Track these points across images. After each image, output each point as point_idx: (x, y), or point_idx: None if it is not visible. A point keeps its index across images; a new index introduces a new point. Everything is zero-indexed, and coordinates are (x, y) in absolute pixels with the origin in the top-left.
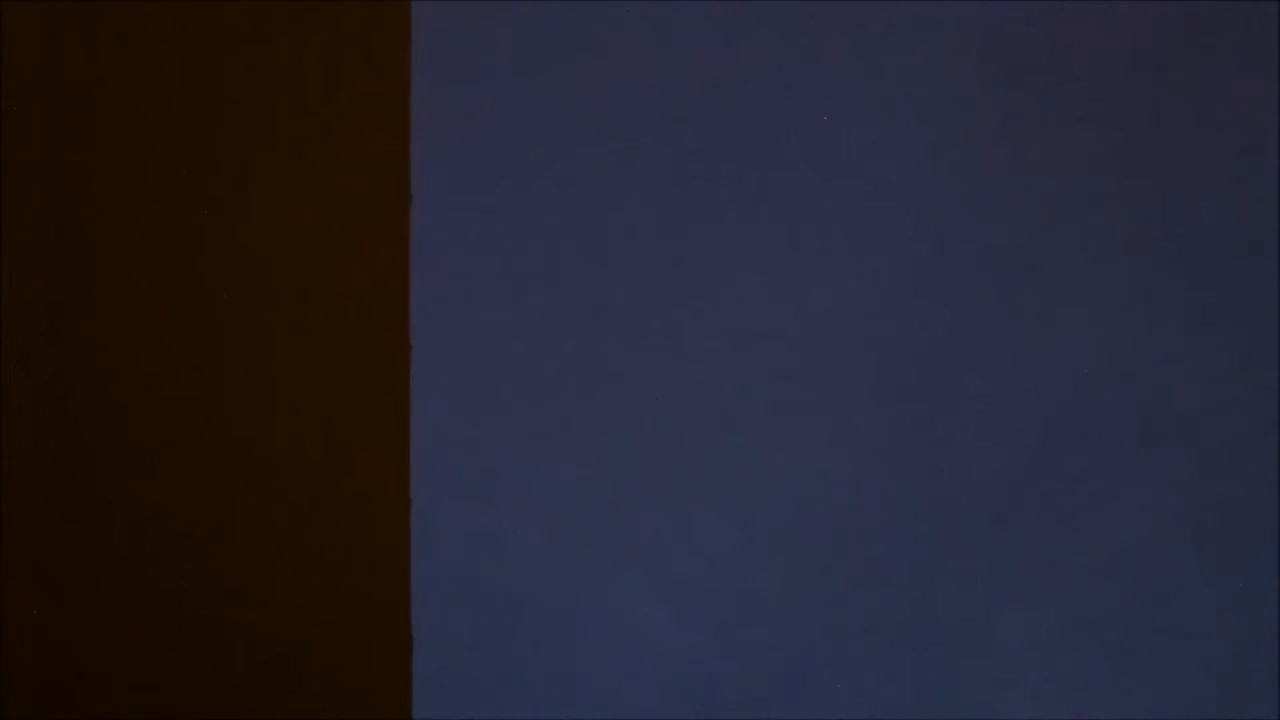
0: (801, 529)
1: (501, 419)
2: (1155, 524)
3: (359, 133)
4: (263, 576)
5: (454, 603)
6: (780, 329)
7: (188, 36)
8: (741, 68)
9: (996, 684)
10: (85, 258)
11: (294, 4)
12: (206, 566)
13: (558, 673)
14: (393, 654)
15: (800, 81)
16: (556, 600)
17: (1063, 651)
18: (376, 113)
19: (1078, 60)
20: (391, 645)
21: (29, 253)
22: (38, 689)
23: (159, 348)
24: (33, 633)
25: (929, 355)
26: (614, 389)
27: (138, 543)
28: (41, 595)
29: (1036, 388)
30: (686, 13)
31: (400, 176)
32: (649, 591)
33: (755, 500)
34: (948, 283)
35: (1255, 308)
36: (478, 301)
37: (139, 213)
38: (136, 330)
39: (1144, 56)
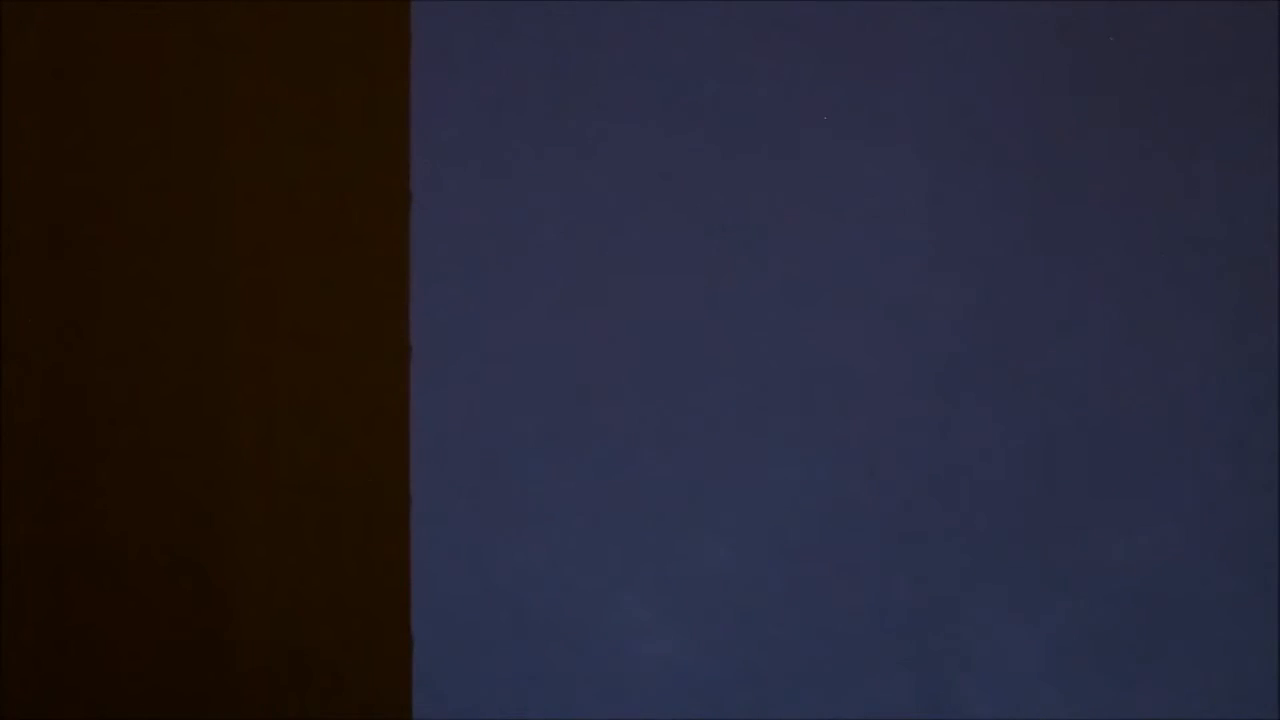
0: (804, 540)
1: (501, 419)
2: (1160, 535)
3: (359, 133)
4: (264, 577)
5: (454, 603)
6: (786, 339)
7: (188, 37)
8: (743, 69)
9: (1000, 692)
10: (85, 257)
11: (294, 4)
12: (207, 567)
13: (557, 673)
14: (393, 654)
15: (806, 83)
16: (556, 601)
17: (1067, 661)
18: (376, 113)
19: (1077, 64)
20: (391, 645)
21: (29, 253)
22: (38, 689)
23: (159, 347)
24: (33, 633)
25: (934, 370)
26: (613, 389)
27: (138, 543)
28: (41, 596)
29: (1041, 402)
30: (687, 15)
31: (400, 176)
32: (648, 592)
33: (757, 509)
34: (954, 299)
35: (1258, 321)
36: (477, 301)
37: (138, 212)
38: (136, 330)
39: (1144, 58)
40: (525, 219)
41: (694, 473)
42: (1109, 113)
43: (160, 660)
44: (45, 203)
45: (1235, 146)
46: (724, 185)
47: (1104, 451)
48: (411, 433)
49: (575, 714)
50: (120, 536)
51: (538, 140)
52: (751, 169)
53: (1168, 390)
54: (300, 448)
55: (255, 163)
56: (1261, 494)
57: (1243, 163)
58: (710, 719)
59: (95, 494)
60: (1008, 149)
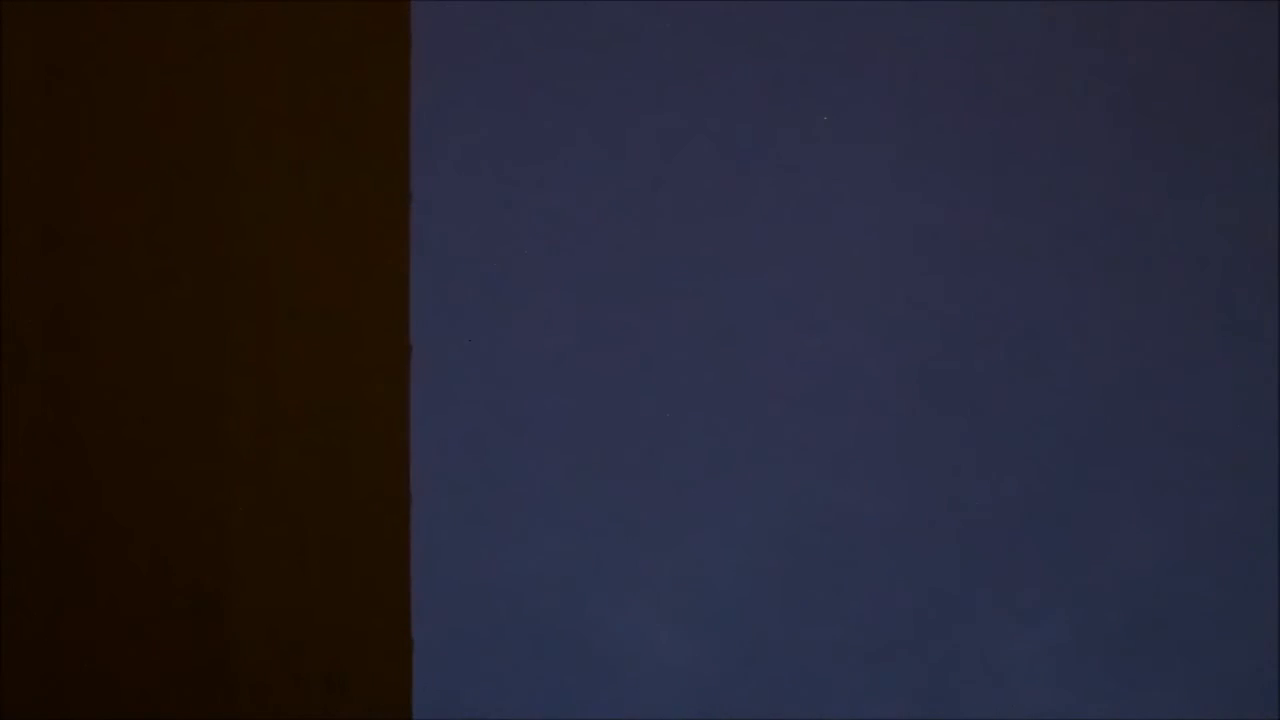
0: (804, 541)
1: (500, 419)
2: (1160, 536)
3: (359, 133)
4: (263, 577)
5: (454, 603)
6: (787, 342)
7: (188, 37)
8: (741, 68)
9: (1001, 694)
10: (84, 258)
11: (294, 4)
12: (205, 567)
13: (558, 673)
14: (393, 654)
15: (803, 82)
16: (556, 601)
17: (1068, 662)
18: (376, 113)
19: (1078, 64)
20: (391, 645)
21: (29, 253)
22: (35, 691)
23: (159, 348)
24: (31, 635)
25: (933, 372)
26: (614, 390)
27: (135, 542)
28: (41, 597)
29: (1039, 403)
30: (686, 14)
31: (400, 176)
32: (648, 593)
33: (757, 511)
34: (958, 303)
35: (1258, 321)
36: (478, 301)
37: (137, 212)
38: (136, 331)
39: (1144, 57)
40: (525, 219)
41: (695, 473)
42: (1104, 114)
43: (158, 660)
44: (44, 203)
45: (1234, 147)
46: (726, 187)
47: (1103, 452)
48: (411, 433)
49: (576, 714)
50: (117, 536)
51: (538, 140)
52: (754, 174)
53: (1167, 390)
54: (300, 448)
55: (255, 163)
56: (1261, 494)
57: (1242, 163)
58: (711, 719)
59: (93, 494)
60: (997, 152)
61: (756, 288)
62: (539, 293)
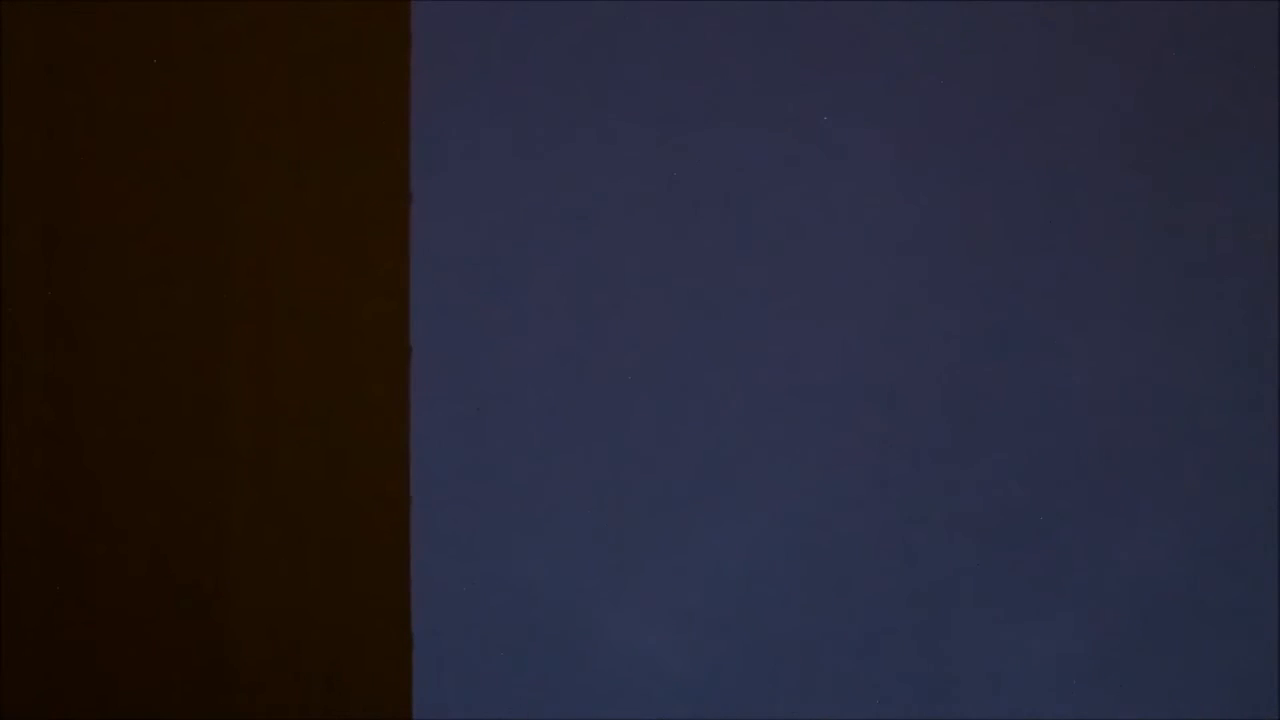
0: (806, 544)
1: (500, 420)
2: (1160, 538)
3: (359, 133)
4: (263, 577)
5: (454, 603)
6: (789, 344)
7: (188, 37)
8: (742, 68)
9: (1002, 697)
10: (83, 259)
11: (294, 4)
12: (206, 567)
13: (558, 673)
14: (393, 654)
15: (802, 82)
16: (557, 601)
17: (1069, 665)
18: (376, 113)
19: (1077, 64)
20: (391, 645)
21: (28, 254)
22: (34, 693)
23: (159, 348)
24: (30, 637)
25: (942, 379)
26: (614, 390)
27: (136, 542)
28: (40, 596)
29: (1039, 406)
30: (686, 14)
31: (400, 176)
32: (649, 594)
33: (759, 513)
34: (959, 304)
35: (1258, 321)
36: (478, 302)
37: (137, 212)
38: (136, 331)
39: (1143, 58)
40: (526, 219)
41: (696, 475)
42: (1103, 114)
43: (157, 660)
44: (44, 203)
45: (1234, 147)
46: (727, 187)
47: (1103, 455)
48: (411, 433)
49: (575, 715)
50: (117, 535)
51: (538, 140)
52: (755, 174)
53: (1167, 392)
54: (300, 448)
55: (255, 163)
56: (1262, 495)
57: (1242, 163)
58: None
59: (93, 494)
60: (998, 153)
61: (758, 289)
62: (539, 293)
